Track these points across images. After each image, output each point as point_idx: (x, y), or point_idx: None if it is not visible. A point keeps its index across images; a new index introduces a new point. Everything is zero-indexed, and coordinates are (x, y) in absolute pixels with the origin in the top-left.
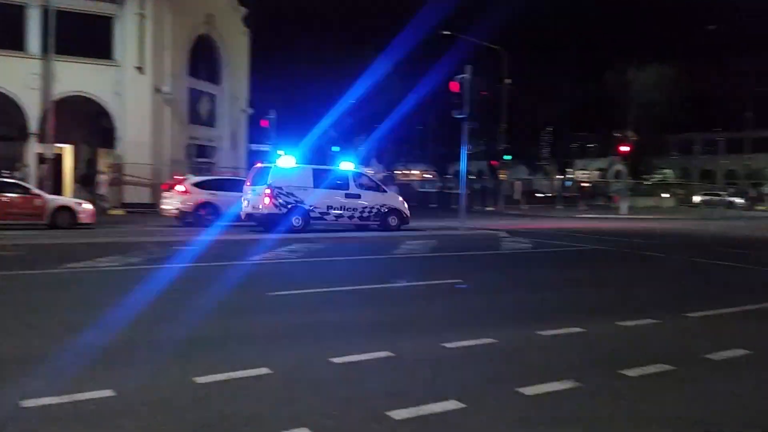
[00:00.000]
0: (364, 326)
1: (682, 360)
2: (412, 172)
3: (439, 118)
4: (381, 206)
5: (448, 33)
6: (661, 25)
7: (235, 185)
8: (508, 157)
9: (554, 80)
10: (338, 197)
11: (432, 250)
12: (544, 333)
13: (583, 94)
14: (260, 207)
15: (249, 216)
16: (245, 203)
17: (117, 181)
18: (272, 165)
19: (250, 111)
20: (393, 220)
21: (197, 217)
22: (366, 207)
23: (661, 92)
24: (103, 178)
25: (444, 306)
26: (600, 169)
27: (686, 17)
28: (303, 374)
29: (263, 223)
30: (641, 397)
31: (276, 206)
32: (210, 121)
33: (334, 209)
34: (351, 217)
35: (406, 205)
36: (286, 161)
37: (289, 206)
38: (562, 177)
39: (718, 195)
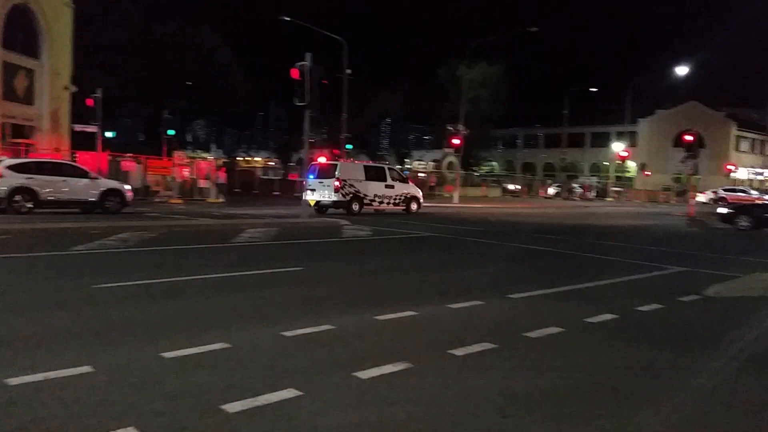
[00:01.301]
0: (199, 318)
1: (503, 338)
2: (255, 159)
3: (281, 104)
4: (406, 194)
5: (289, 19)
6: (490, 25)
7: (56, 168)
8: (349, 147)
9: (393, 73)
10: (381, 187)
11: (273, 238)
12: (380, 317)
13: (420, 87)
14: (330, 196)
15: (317, 203)
16: (310, 193)
17: None
18: (338, 162)
19: (74, 89)
20: (414, 205)
21: (12, 203)
22: (398, 195)
23: (487, 89)
24: None
25: (284, 294)
26: (435, 161)
27: (512, 18)
28: (130, 371)
29: (323, 209)
30: (467, 375)
31: (342, 195)
32: (28, 98)
33: (378, 197)
34: (388, 204)
35: (421, 193)
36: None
37: (350, 195)
38: (400, 167)
39: (571, 187)
